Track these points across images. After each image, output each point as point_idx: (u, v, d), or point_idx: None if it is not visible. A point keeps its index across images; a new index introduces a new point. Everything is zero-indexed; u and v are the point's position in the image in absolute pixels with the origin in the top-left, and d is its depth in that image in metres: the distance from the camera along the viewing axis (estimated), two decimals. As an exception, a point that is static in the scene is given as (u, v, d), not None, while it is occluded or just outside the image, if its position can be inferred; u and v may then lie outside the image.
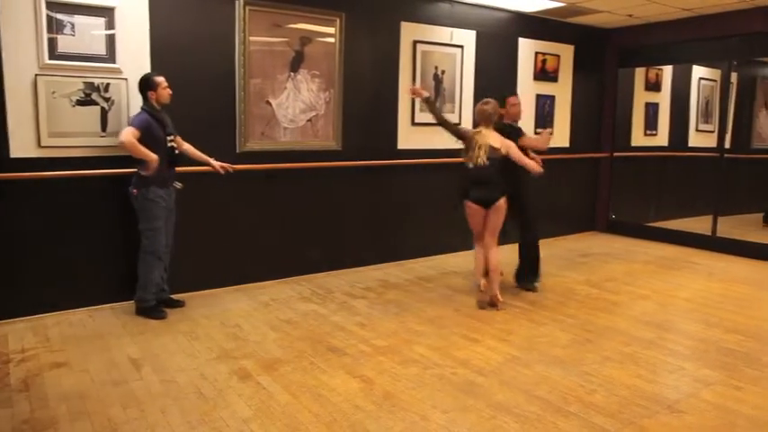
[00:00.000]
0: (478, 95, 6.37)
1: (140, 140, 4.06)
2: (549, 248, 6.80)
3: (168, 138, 4.23)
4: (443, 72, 6.10)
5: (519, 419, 2.88)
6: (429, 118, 5.97)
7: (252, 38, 4.88)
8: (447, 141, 6.19)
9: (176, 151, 4.29)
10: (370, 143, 5.70)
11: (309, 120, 5.30)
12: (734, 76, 8.43)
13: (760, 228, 8.21)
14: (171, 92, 4.22)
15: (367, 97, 5.64)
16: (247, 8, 4.80)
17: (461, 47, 6.21)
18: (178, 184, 4.38)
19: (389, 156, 5.83)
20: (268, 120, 5.08)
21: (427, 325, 4.19)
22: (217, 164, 4.52)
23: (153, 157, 4.05)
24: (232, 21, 4.79)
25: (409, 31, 5.82)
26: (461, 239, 6.46)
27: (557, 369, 3.47)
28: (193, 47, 4.66)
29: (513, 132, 4.90)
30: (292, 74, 5.15)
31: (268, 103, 5.06)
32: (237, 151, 4.93)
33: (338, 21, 5.30)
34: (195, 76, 4.69)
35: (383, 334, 4.00)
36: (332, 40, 5.33)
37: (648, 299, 4.93)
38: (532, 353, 3.71)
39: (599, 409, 3.01)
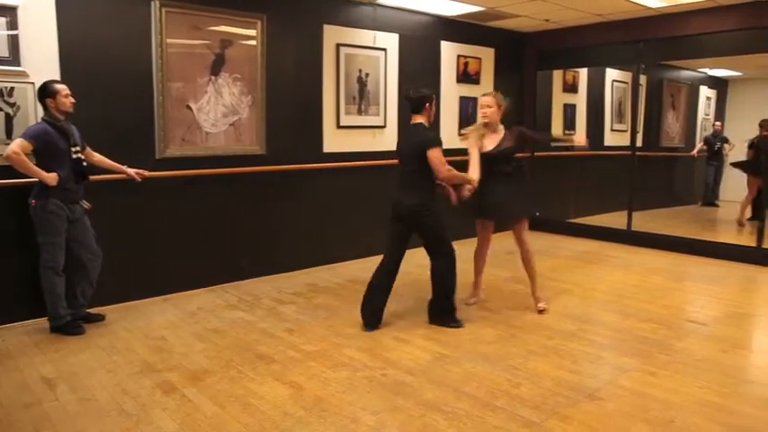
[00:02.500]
0: (403, 98, 6.45)
1: (37, 153, 3.83)
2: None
3: (73, 149, 3.96)
4: (367, 75, 6.13)
5: (448, 416, 2.92)
6: (355, 121, 6.04)
7: (169, 40, 4.73)
8: (373, 143, 6.25)
9: (84, 163, 4.04)
10: (296, 147, 5.65)
11: (232, 124, 5.20)
12: (643, 79, 8.92)
13: (671, 221, 8.68)
14: (73, 100, 3.95)
15: (291, 100, 5.59)
16: (164, 9, 4.66)
17: (384, 50, 6.26)
18: (86, 204, 4.12)
19: (316, 159, 5.79)
20: (189, 124, 4.94)
21: (357, 327, 4.19)
22: (131, 171, 4.34)
23: (45, 176, 3.80)
24: (148, 22, 4.63)
25: (332, 34, 5.82)
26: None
27: (484, 365, 3.55)
28: (107, 49, 4.47)
29: None
30: (213, 77, 5.04)
31: (188, 107, 4.92)
32: (157, 157, 4.77)
33: (259, 23, 5.23)
34: (110, 81, 4.50)
35: (312, 339, 3.97)
36: (254, 42, 5.25)
37: (570, 293, 5.12)
38: (460, 350, 3.78)
39: (525, 401, 3.09)
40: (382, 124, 6.32)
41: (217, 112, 5.09)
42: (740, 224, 8.15)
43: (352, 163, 6.06)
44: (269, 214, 5.53)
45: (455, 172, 4.14)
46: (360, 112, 6.10)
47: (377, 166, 6.26)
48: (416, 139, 4.10)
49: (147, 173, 4.45)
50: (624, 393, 3.21)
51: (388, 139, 6.39)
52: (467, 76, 7.20)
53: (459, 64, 7.11)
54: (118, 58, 4.53)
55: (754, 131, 8.14)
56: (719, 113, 11.53)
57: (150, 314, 4.47)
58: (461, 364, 3.57)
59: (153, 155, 4.75)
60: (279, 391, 3.20)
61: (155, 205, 4.80)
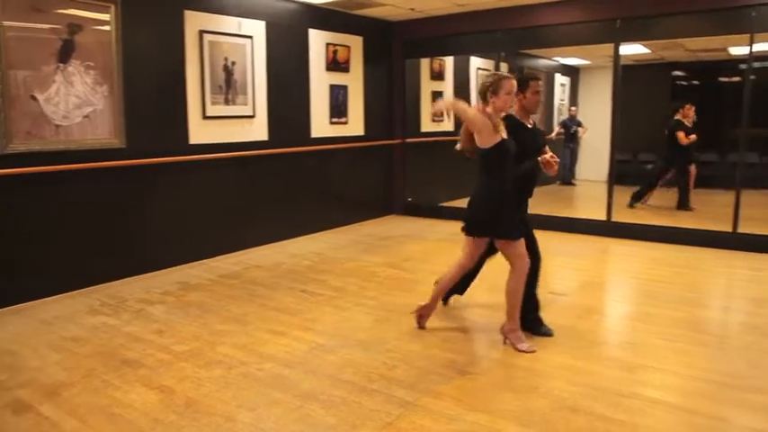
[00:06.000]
0: (272, 86, 6.34)
1: None
2: (350, 234, 7.03)
3: None
4: (234, 63, 5.93)
5: (325, 405, 2.93)
6: (222, 111, 5.84)
7: (6, 23, 4.29)
8: (242, 134, 6.08)
9: None
10: (159, 139, 5.36)
11: (87, 116, 4.82)
12: (504, 67, 9.38)
13: (533, 200, 9.24)
14: None
15: (152, 90, 5.28)
16: (-3, -10, 4.22)
17: (251, 37, 6.09)
18: None
19: (181, 151, 5.53)
20: (35, 117, 4.52)
21: (231, 324, 4.07)
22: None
23: None
24: (-22, 4, 4.17)
25: (194, 21, 5.56)
26: (264, 233, 6.40)
27: (360, 351, 3.59)
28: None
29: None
30: (62, 65, 4.64)
31: (33, 97, 4.50)
32: (-1, 154, 4.33)
33: (113, 7, 4.88)
34: (-66, 69, 4.01)
35: (184, 339, 3.80)
36: (107, 28, 4.89)
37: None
38: (337, 338, 3.80)
39: (400, 382, 3.17)
40: (251, 114, 6.16)
41: (68, 103, 4.70)
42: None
43: (222, 154, 5.85)
44: (133, 210, 5.21)
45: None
46: (227, 101, 5.90)
47: (248, 157, 6.11)
48: None
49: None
50: (493, 366, 3.39)
51: (258, 129, 6.25)
52: (336, 64, 7.20)
53: (328, 52, 7.08)
54: (-57, 44, 4.04)
55: (603, 115, 8.83)
56: (573, 99, 12.45)
57: (-2, 327, 4.07)
58: (337, 351, 3.58)
59: (-7, 151, 4.31)
60: (147, 397, 3.04)
61: (-2, 207, 4.37)
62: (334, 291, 4.81)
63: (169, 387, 3.13)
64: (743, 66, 6.41)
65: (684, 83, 11.33)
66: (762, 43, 6.23)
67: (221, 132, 5.88)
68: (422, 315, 3.99)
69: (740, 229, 6.14)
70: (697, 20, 6.17)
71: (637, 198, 8.43)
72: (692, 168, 8.15)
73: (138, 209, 5.25)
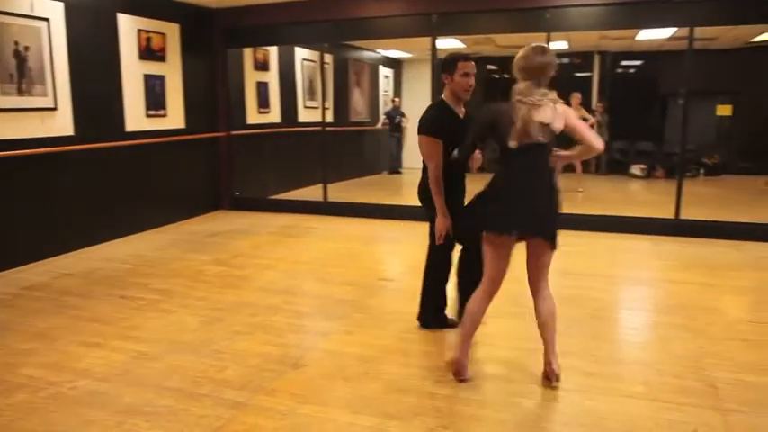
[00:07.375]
0: (76, 75, 5.76)
1: None
2: (174, 233, 6.67)
3: None
4: (27, 48, 5.28)
5: (150, 417, 2.73)
6: (15, 103, 5.20)
7: None
8: (42, 129, 5.45)
9: None
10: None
11: None
12: (330, 58, 9.46)
13: (363, 190, 9.48)
14: None
15: None
16: None
17: (47, 20, 5.46)
18: None
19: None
20: None
21: (37, 341, 3.64)
22: None
23: None
24: None
25: (-27, -1, 4.86)
26: (75, 237, 5.83)
27: (187, 355, 3.41)
28: None
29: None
30: None
31: None
32: None
33: None
34: None
35: (-23, 364, 3.34)
36: None
37: (273, 268, 5.22)
38: (161, 344, 3.56)
39: (231, 383, 3.06)
40: (52, 106, 5.54)
41: None
42: None
43: (17, 152, 5.20)
44: None
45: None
46: (21, 92, 5.23)
47: (50, 155, 5.50)
48: None
49: None
50: (325, 356, 3.40)
51: (61, 124, 5.64)
52: (150, 52, 6.72)
53: (140, 39, 6.59)
54: None
55: (425, 106, 9.27)
56: (397, 90, 12.94)
57: None
58: (162, 358, 3.36)
59: None
60: (-71, 436, 2.62)
61: None
62: (158, 294, 4.51)
63: (-42, 422, 2.73)
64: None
65: (497, 76, 12.26)
66: (557, 42, 6.92)
67: (15, 127, 5.21)
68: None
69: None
70: (502, 18, 6.69)
71: None
72: None
73: None
